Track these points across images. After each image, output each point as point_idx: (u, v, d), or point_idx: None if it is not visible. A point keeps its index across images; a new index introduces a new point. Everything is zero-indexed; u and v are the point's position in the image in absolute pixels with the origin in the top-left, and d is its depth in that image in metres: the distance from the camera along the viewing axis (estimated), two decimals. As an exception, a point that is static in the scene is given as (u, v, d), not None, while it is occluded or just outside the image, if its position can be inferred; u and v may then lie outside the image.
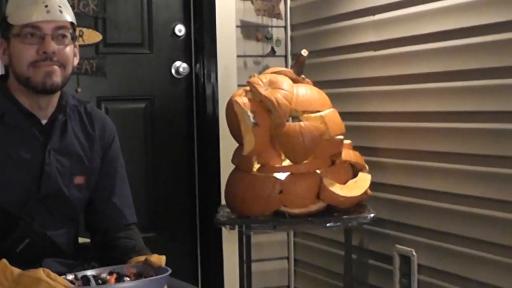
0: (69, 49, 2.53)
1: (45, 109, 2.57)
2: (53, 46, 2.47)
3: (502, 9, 2.86)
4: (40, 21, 2.47)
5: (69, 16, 2.53)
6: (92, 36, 3.97)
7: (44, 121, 2.57)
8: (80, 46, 3.16)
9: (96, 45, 4.02)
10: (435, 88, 3.22)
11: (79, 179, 2.63)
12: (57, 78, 2.50)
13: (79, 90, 3.94)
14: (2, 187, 2.46)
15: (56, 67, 2.49)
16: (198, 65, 4.21)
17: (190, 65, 4.21)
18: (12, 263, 2.21)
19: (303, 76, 3.48)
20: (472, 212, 3.07)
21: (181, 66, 4.18)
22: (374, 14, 3.59)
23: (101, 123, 2.74)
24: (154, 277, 2.27)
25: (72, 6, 3.32)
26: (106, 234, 2.69)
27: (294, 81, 3.39)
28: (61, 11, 2.50)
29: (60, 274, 2.21)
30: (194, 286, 2.66)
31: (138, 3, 4.12)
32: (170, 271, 2.31)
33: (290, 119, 3.33)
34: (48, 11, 2.48)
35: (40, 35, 2.47)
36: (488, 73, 2.95)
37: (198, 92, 4.21)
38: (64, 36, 2.52)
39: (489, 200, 2.98)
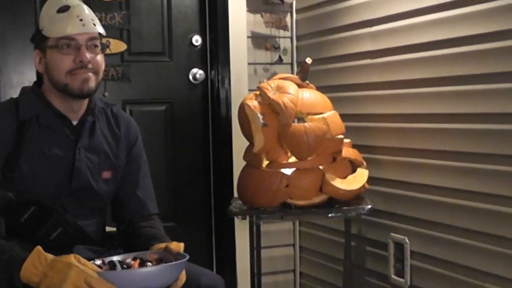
0: (100, 58, 2.55)
1: (76, 111, 2.58)
2: (88, 55, 2.48)
3: (485, 22, 2.85)
4: (75, 33, 2.47)
5: (100, 28, 2.54)
6: (118, 46, 3.97)
7: (75, 122, 2.58)
8: (107, 55, 3.18)
9: (121, 54, 4.01)
10: (426, 93, 3.21)
11: (106, 174, 2.64)
12: (92, 83, 2.52)
13: (107, 94, 3.94)
14: (38, 181, 2.48)
15: (91, 74, 2.51)
16: (213, 72, 4.20)
17: (205, 71, 4.20)
18: (46, 249, 2.23)
19: (307, 81, 3.47)
20: (458, 204, 3.06)
21: (197, 72, 4.18)
22: (371, 26, 3.58)
23: (126, 124, 2.74)
24: (174, 262, 2.28)
25: (100, 19, 3.33)
26: (131, 224, 2.69)
27: (299, 86, 3.38)
28: (94, 24, 2.52)
29: (89, 260, 2.23)
30: (209, 270, 2.66)
31: (159, 16, 4.11)
32: (188, 257, 2.31)
33: (296, 120, 3.32)
34: (83, 24, 2.49)
35: (75, 46, 2.48)
36: (473, 79, 2.94)
37: (213, 96, 4.20)
38: (96, 46, 2.53)
39: (473, 193, 2.98)
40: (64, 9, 2.51)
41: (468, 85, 2.98)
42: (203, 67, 4.21)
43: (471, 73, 2.96)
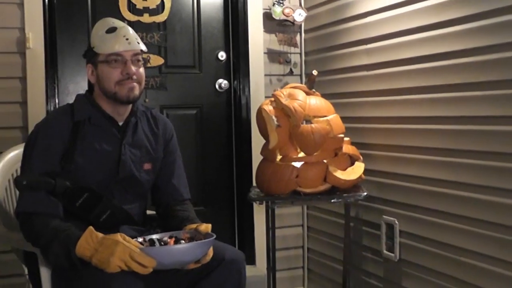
0: (142, 70, 2.55)
1: (122, 114, 2.58)
2: (133, 68, 2.48)
3: (461, 41, 2.84)
4: (122, 50, 2.47)
5: (142, 45, 2.54)
6: (157, 60, 3.97)
7: (120, 123, 2.58)
8: (148, 67, 3.17)
9: (159, 67, 4.01)
10: (412, 99, 3.19)
11: (147, 166, 2.64)
12: (137, 92, 2.52)
13: (147, 100, 3.94)
14: (90, 172, 2.47)
15: (135, 84, 2.50)
16: (235, 82, 4.19)
17: (229, 82, 4.19)
18: (97, 229, 2.24)
19: (313, 90, 3.46)
20: (439, 191, 3.04)
21: (223, 82, 4.17)
22: (366, 44, 3.56)
23: (163, 124, 2.74)
24: (203, 240, 2.28)
25: (142, 38, 3.34)
26: (167, 207, 2.69)
27: (307, 93, 3.37)
28: (138, 42, 2.52)
29: (132, 238, 2.23)
30: (232, 246, 2.65)
31: (191, 35, 4.10)
32: (215, 236, 2.31)
33: (304, 122, 3.31)
34: (129, 43, 2.49)
35: (122, 61, 2.48)
36: (450, 88, 2.93)
37: (236, 102, 4.19)
38: (139, 60, 2.53)
39: (451, 182, 2.96)
40: (112, 30, 2.52)
41: (446, 93, 2.97)
42: (227, 78, 4.19)
43: (448, 83, 2.95)
